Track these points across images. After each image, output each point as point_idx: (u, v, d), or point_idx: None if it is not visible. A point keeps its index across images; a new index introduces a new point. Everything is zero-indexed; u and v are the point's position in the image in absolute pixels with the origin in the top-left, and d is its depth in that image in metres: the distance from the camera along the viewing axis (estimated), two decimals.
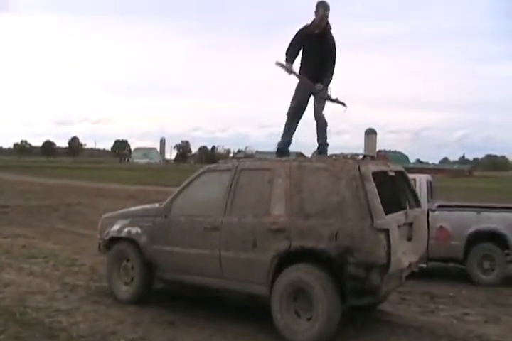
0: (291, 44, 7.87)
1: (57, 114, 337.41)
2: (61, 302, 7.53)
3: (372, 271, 5.88)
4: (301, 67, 7.95)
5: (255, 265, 6.49)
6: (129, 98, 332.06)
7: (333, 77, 7.93)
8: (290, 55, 7.88)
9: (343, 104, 7.84)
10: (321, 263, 6.12)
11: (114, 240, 7.95)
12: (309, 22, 7.83)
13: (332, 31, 7.84)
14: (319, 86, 7.75)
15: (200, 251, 6.97)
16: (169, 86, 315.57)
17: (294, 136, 8.08)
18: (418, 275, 7.48)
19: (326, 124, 7.80)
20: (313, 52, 7.81)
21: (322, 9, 7.64)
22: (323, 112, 7.79)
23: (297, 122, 8.03)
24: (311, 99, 7.89)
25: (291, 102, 7.95)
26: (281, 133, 8.04)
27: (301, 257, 6.26)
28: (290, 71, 7.85)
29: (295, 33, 7.86)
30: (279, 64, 7.88)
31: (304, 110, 7.98)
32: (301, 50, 7.91)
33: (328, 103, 7.84)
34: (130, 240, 7.70)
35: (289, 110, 7.95)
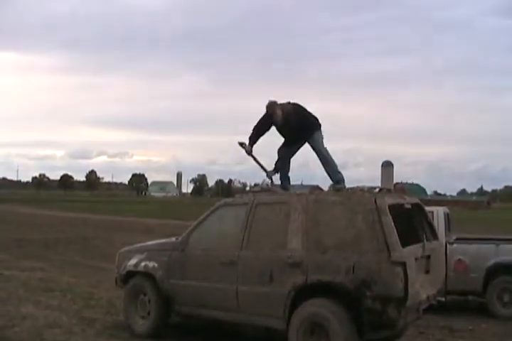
0: (258, 124, 8.03)
1: (75, 147, 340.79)
2: (78, 336, 7.51)
3: (389, 304, 5.85)
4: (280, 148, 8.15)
5: (272, 299, 6.48)
6: (146, 133, 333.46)
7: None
8: (254, 136, 8.05)
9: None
10: (338, 296, 6.10)
11: (131, 274, 7.97)
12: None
13: (296, 112, 7.86)
14: (271, 172, 8.01)
15: (217, 285, 6.97)
16: (184, 120, 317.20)
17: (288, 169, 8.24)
18: (436, 308, 7.40)
19: (331, 159, 7.86)
20: (285, 138, 8.02)
21: (269, 111, 7.83)
22: (326, 149, 7.86)
23: (287, 164, 8.21)
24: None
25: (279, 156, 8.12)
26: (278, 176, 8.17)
27: (318, 291, 6.24)
28: (249, 153, 8.05)
29: (263, 115, 7.99)
30: (240, 144, 8.08)
31: (294, 154, 8.20)
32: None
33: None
34: (147, 274, 7.71)
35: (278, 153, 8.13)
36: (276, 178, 8.09)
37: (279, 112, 7.74)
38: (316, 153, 7.84)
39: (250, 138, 8.03)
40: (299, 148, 8.10)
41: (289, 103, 7.91)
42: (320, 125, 7.99)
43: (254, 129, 8.04)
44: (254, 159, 8.10)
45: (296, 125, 7.73)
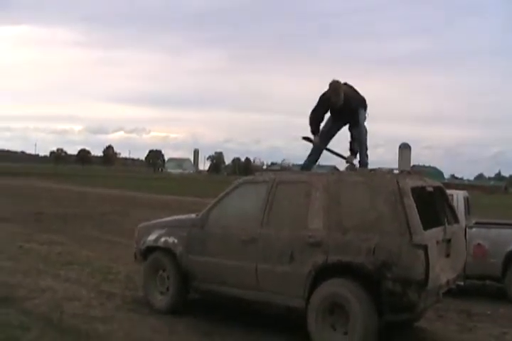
0: (314, 110, 7.89)
1: (93, 123, 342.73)
2: (97, 309, 7.58)
3: (409, 287, 5.83)
4: (327, 122, 8.05)
5: (292, 278, 6.49)
6: (164, 109, 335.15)
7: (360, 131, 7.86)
8: (315, 123, 7.91)
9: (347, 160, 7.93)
10: (358, 277, 6.09)
11: (150, 249, 8.01)
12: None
13: (352, 95, 7.82)
14: (351, 158, 7.86)
15: (237, 263, 6.99)
16: (203, 97, 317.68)
17: (320, 156, 8.15)
18: (455, 292, 7.39)
19: (366, 141, 7.79)
20: (336, 117, 7.92)
21: (332, 92, 7.63)
22: (365, 130, 7.78)
23: (326, 144, 8.08)
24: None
25: (322, 129, 8.01)
26: (310, 151, 8.07)
27: (338, 271, 6.24)
28: (318, 145, 7.94)
29: (319, 100, 7.85)
30: (306, 139, 7.97)
31: (331, 137, 8.10)
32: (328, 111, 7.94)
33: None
34: (166, 250, 7.75)
35: (321, 131, 7.98)
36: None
37: (341, 93, 7.60)
38: (357, 131, 7.78)
39: (312, 127, 7.92)
40: (340, 128, 8.04)
41: (345, 84, 7.81)
42: (366, 105, 7.95)
43: (313, 117, 7.90)
44: (328, 149, 8.02)
45: (355, 106, 7.67)
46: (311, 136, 7.93)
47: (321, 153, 8.07)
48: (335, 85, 7.62)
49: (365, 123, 7.83)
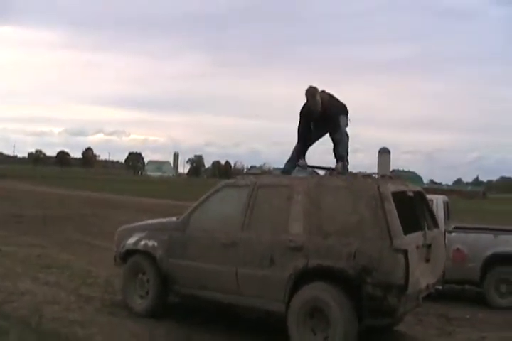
0: (298, 126, 7.85)
1: (72, 124, 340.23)
2: (76, 313, 7.52)
3: (389, 291, 5.86)
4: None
5: (272, 282, 6.50)
6: (144, 112, 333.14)
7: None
8: (302, 137, 7.86)
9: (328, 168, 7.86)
10: (338, 282, 6.11)
11: (130, 253, 7.97)
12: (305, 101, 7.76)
13: (331, 102, 7.76)
14: (302, 162, 7.84)
15: (217, 267, 6.98)
16: (183, 100, 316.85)
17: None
18: (434, 297, 7.44)
19: (346, 144, 7.79)
20: (317, 125, 7.82)
21: (310, 98, 7.59)
22: (346, 136, 7.79)
23: (305, 151, 8.01)
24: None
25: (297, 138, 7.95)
26: (289, 156, 8.02)
27: (318, 275, 6.25)
28: (305, 167, 7.89)
29: (299, 114, 7.82)
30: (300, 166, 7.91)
31: (311, 144, 8.02)
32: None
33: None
34: (146, 253, 7.71)
35: (298, 136, 7.93)
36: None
37: (318, 99, 7.56)
38: (337, 136, 7.74)
39: (297, 151, 7.90)
40: (321, 136, 7.99)
41: (323, 91, 7.77)
42: (347, 112, 7.93)
43: (299, 137, 7.86)
44: (315, 168, 7.98)
45: (335, 113, 7.64)
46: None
47: (304, 154, 7.99)
48: (311, 91, 7.58)
49: (347, 129, 7.84)
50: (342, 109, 7.87)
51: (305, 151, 7.98)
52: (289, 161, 7.98)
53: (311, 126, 7.87)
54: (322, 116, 7.63)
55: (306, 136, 7.85)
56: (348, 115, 7.91)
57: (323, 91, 7.77)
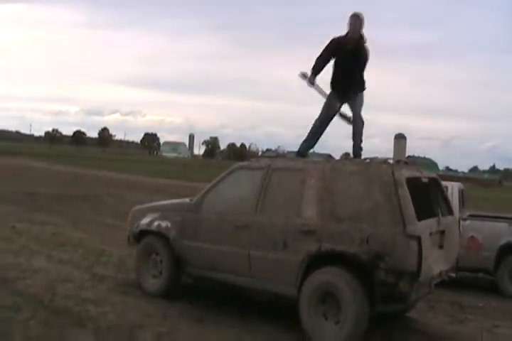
0: (321, 54, 7.68)
1: (89, 104, 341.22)
2: (89, 291, 7.58)
3: (402, 277, 5.84)
4: (331, 78, 7.82)
5: (285, 265, 6.49)
6: (161, 92, 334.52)
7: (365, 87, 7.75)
8: (317, 66, 7.70)
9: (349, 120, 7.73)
10: (350, 267, 6.10)
11: (143, 233, 8.00)
12: (343, 34, 7.61)
13: (366, 44, 7.66)
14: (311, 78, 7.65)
15: (230, 249, 6.98)
16: (201, 82, 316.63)
17: (318, 141, 7.96)
18: (447, 284, 7.41)
19: (362, 126, 7.72)
20: (344, 67, 7.62)
21: (354, 22, 7.47)
22: (362, 116, 7.71)
23: (323, 130, 7.89)
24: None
25: (321, 111, 7.85)
26: (305, 137, 7.92)
27: (330, 260, 6.24)
28: (312, 84, 7.73)
29: (327, 43, 7.66)
30: (302, 75, 7.76)
31: (330, 120, 7.87)
32: (333, 61, 7.72)
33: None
34: (160, 234, 7.73)
35: (317, 118, 7.84)
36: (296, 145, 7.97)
37: (361, 28, 7.46)
38: (354, 117, 7.65)
39: (313, 68, 7.69)
40: (331, 118, 7.85)
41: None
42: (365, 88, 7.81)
43: (318, 58, 7.67)
44: (317, 89, 7.77)
45: (365, 61, 7.59)
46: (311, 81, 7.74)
47: (318, 137, 7.91)
48: (359, 16, 7.46)
49: (362, 111, 7.77)
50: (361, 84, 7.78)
51: (328, 121, 7.86)
52: (305, 141, 7.92)
53: (339, 63, 7.70)
54: (354, 52, 7.51)
55: (322, 67, 7.71)
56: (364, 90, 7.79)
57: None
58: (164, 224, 7.71)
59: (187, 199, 7.97)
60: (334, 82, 7.77)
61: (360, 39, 7.55)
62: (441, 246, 6.72)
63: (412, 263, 5.82)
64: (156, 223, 7.81)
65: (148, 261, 7.85)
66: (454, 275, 8.13)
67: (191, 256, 7.42)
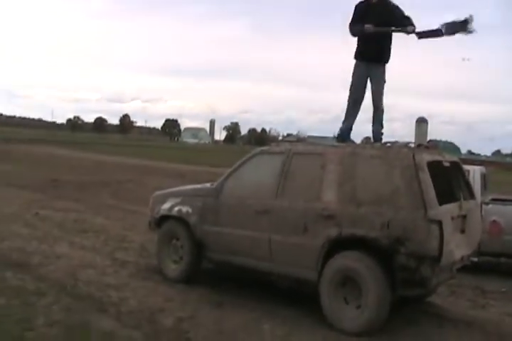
0: (351, 20, 7.74)
1: (110, 91, 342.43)
2: (111, 277, 7.66)
3: (423, 262, 5.80)
4: (357, 47, 7.83)
5: (305, 250, 6.49)
6: (181, 78, 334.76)
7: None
8: (355, 26, 7.71)
9: (438, 34, 7.51)
10: (371, 251, 6.07)
11: (164, 218, 8.05)
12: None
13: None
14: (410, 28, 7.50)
15: (250, 234, 6.99)
16: (221, 67, 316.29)
17: (355, 121, 7.96)
18: (468, 269, 7.35)
19: (383, 111, 7.69)
20: (373, 22, 7.56)
21: None
22: (383, 98, 7.67)
23: (357, 108, 7.90)
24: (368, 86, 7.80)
25: (350, 88, 7.85)
26: (343, 119, 7.94)
27: (351, 244, 6.23)
28: (371, 30, 7.53)
29: (354, 9, 7.77)
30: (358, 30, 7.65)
31: (363, 96, 7.85)
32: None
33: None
34: (180, 219, 7.77)
35: (349, 96, 7.85)
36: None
37: None
38: (375, 91, 7.66)
39: (352, 29, 7.74)
40: (364, 92, 7.83)
41: None
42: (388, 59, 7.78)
43: (350, 24, 7.77)
44: (377, 29, 7.57)
45: (391, 11, 7.59)
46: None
47: (354, 117, 7.90)
48: None
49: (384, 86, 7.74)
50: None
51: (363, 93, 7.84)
52: (342, 124, 7.90)
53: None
54: (378, 6, 7.59)
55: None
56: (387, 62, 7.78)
57: None
58: (185, 209, 7.74)
59: (208, 185, 7.99)
60: (360, 51, 7.80)
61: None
62: (462, 231, 6.66)
63: (433, 248, 5.78)
64: (176, 208, 7.84)
65: (169, 247, 7.90)
66: (475, 259, 8.09)
67: (212, 241, 7.45)
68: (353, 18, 7.74)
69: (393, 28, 7.58)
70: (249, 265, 7.15)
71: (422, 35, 7.55)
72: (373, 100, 7.68)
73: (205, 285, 7.55)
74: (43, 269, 7.79)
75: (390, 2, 7.73)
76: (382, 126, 7.67)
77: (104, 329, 5.65)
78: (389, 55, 7.79)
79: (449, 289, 8.11)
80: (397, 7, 7.68)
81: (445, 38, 7.47)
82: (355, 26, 7.68)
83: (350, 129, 7.91)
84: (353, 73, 7.84)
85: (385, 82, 7.75)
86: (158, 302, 6.66)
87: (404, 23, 7.55)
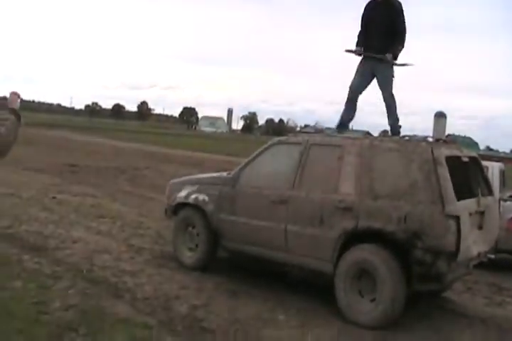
0: (360, 24, 7.78)
1: (128, 78, 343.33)
2: (127, 263, 7.69)
3: (439, 257, 5.78)
4: (365, 40, 7.77)
5: (321, 241, 6.48)
6: (200, 66, 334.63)
7: (404, 44, 7.64)
8: (360, 39, 7.79)
9: (410, 64, 7.74)
10: (387, 245, 6.06)
11: (180, 206, 8.07)
12: None
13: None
14: (388, 56, 7.50)
15: (266, 224, 6.99)
16: (240, 56, 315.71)
17: (356, 113, 7.97)
18: (485, 265, 7.31)
19: (394, 103, 7.60)
20: (376, 23, 7.61)
21: None
22: (393, 91, 7.61)
23: (356, 102, 7.89)
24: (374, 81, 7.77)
25: (350, 84, 7.84)
26: (342, 110, 7.93)
27: (367, 237, 6.21)
28: (360, 53, 7.73)
29: (363, 9, 7.80)
30: (348, 51, 7.80)
31: (361, 92, 7.85)
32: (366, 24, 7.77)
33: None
34: (197, 207, 7.78)
35: (349, 91, 7.84)
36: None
37: None
38: (384, 93, 7.59)
39: (357, 42, 7.82)
40: (366, 85, 7.80)
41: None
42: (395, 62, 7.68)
43: (359, 33, 7.85)
44: (367, 54, 7.70)
45: (396, 12, 7.54)
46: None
47: (354, 108, 7.90)
48: None
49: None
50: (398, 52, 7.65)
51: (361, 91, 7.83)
52: (344, 112, 7.90)
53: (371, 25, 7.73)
54: (383, 7, 7.57)
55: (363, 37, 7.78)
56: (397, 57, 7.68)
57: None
58: (201, 197, 7.76)
59: (224, 173, 8.00)
60: (365, 49, 7.74)
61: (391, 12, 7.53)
62: (480, 227, 6.62)
63: (450, 243, 5.76)
64: (193, 196, 7.86)
65: (185, 234, 7.93)
66: (492, 256, 8.03)
67: (227, 229, 7.46)
68: (360, 23, 7.82)
69: (374, 55, 7.57)
70: (264, 255, 7.15)
71: (396, 64, 7.69)
72: (384, 97, 7.59)
73: (221, 274, 7.56)
74: (59, 253, 7.85)
75: (396, 4, 7.61)
76: (398, 120, 7.59)
77: (119, 314, 5.67)
78: (399, 46, 7.62)
79: (465, 285, 8.06)
80: (398, 14, 7.60)
81: None
82: (360, 39, 7.79)
83: (351, 119, 7.94)
84: (357, 69, 7.82)
85: (393, 77, 7.67)
86: (173, 290, 6.68)
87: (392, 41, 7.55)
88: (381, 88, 7.63)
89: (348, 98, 7.84)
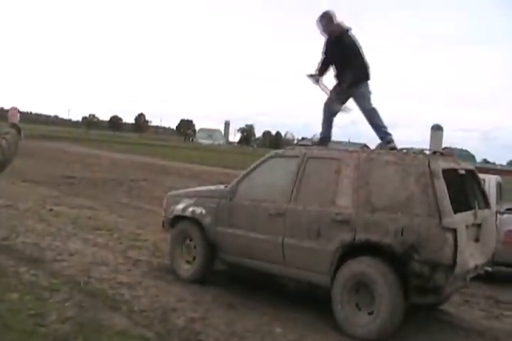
0: (321, 55, 7.91)
1: (126, 90, 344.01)
2: (124, 275, 7.68)
3: (437, 270, 5.78)
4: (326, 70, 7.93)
5: (318, 254, 6.48)
6: (197, 79, 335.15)
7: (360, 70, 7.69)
8: (319, 67, 7.89)
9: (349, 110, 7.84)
10: (385, 257, 6.06)
11: (178, 218, 8.06)
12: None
13: (350, 32, 7.66)
14: (346, 108, 7.76)
15: (263, 237, 6.99)
16: (237, 68, 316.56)
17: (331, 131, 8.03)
18: (482, 278, 7.31)
19: (377, 117, 7.59)
20: (333, 55, 7.74)
21: (319, 25, 7.71)
22: (372, 106, 7.64)
23: (332, 122, 7.97)
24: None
25: (324, 105, 7.91)
26: (322, 120, 7.97)
27: (364, 250, 6.22)
28: (316, 81, 7.88)
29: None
30: (310, 76, 7.90)
31: (337, 112, 7.91)
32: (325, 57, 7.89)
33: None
34: (194, 220, 7.78)
35: (323, 111, 7.91)
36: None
37: (335, 23, 7.63)
38: (361, 110, 7.62)
39: (318, 70, 7.90)
40: (347, 99, 7.80)
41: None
42: (369, 77, 7.71)
43: (320, 61, 7.90)
44: (321, 87, 7.90)
45: (348, 48, 7.56)
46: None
47: (333, 117, 7.93)
48: (325, 13, 7.67)
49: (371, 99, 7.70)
50: (365, 69, 7.70)
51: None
52: (322, 124, 7.97)
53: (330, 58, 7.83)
54: (337, 42, 7.61)
55: (324, 69, 7.88)
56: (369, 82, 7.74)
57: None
58: (199, 210, 7.76)
59: (222, 186, 8.00)
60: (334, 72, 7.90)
61: (337, 29, 7.64)
62: (477, 240, 6.62)
63: (447, 256, 5.76)
64: (190, 209, 7.87)
65: (182, 247, 7.93)
66: (489, 269, 8.03)
67: (225, 242, 7.46)
68: (321, 54, 7.93)
69: (325, 90, 7.85)
70: (261, 268, 7.16)
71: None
72: (366, 117, 7.61)
73: (218, 287, 7.55)
74: (56, 265, 7.83)
75: (347, 39, 7.65)
76: (386, 133, 7.58)
77: (116, 327, 5.66)
78: (358, 77, 7.62)
79: (462, 298, 8.06)
80: (351, 47, 7.65)
81: None
82: (321, 64, 7.89)
83: (331, 129, 7.99)
84: (330, 92, 7.87)
85: (371, 93, 7.71)
86: (170, 302, 6.68)
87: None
88: (362, 110, 7.63)
89: (325, 117, 7.95)
